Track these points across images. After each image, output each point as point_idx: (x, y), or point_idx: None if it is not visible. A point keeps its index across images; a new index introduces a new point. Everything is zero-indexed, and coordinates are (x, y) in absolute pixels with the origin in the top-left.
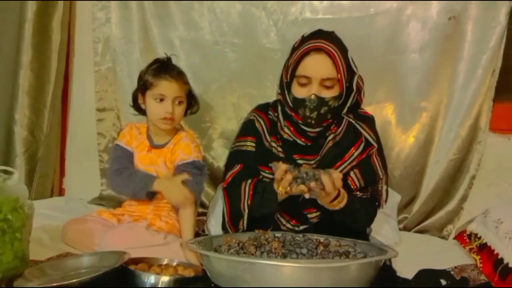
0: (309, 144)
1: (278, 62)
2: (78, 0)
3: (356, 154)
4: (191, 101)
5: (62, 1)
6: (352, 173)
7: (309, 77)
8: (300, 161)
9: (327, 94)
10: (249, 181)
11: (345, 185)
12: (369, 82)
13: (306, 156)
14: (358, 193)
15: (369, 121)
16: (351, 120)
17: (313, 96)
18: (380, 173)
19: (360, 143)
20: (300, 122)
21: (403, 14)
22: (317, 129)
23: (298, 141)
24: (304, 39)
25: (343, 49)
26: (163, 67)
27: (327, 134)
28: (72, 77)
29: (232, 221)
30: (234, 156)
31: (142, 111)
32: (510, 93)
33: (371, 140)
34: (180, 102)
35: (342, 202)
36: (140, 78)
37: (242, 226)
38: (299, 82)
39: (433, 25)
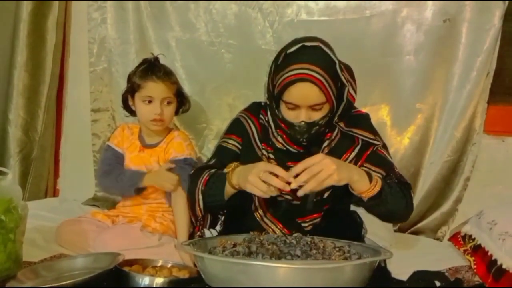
0: (301, 151)
1: None
2: (73, 0)
3: (351, 156)
4: (181, 100)
5: (57, 2)
6: (366, 169)
7: (296, 104)
8: None
9: (317, 115)
10: (212, 170)
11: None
12: (364, 84)
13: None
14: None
15: (363, 120)
16: (343, 129)
17: (302, 123)
18: (391, 161)
19: (356, 146)
20: (290, 134)
21: (398, 16)
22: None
23: (291, 149)
24: (287, 58)
25: (329, 67)
26: (150, 68)
27: (322, 139)
28: (67, 78)
29: (190, 206)
30: (215, 150)
31: (133, 113)
32: (505, 95)
33: (371, 140)
34: (169, 103)
35: (377, 184)
36: (129, 80)
37: (199, 212)
38: (287, 106)
39: (428, 27)
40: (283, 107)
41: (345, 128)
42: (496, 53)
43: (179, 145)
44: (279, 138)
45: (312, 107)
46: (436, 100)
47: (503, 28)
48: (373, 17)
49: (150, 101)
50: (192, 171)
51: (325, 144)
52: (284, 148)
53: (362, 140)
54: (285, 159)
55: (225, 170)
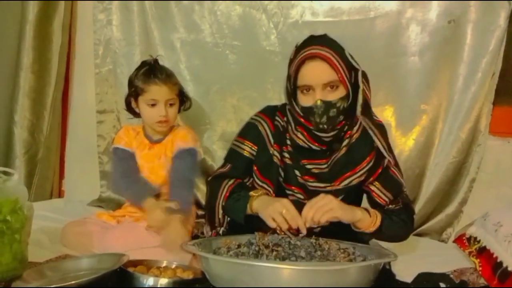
0: (324, 148)
1: (279, 65)
2: (79, 0)
3: (367, 167)
4: (182, 99)
5: (63, 3)
6: (376, 189)
7: (310, 85)
8: (309, 166)
9: (333, 96)
10: (230, 182)
11: (372, 202)
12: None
13: (316, 160)
14: (390, 206)
15: (382, 128)
16: (365, 124)
17: (319, 102)
18: (402, 181)
19: (372, 156)
20: (313, 128)
21: (403, 17)
22: (332, 133)
23: (313, 147)
24: (298, 49)
25: (338, 49)
26: (152, 71)
27: (342, 137)
28: (73, 79)
29: (209, 217)
30: (229, 154)
31: (137, 114)
32: (510, 96)
33: (383, 151)
34: (171, 104)
35: (377, 220)
36: (131, 84)
37: (218, 224)
38: (302, 91)
39: (433, 28)
40: (299, 96)
41: (370, 125)
42: (502, 54)
43: (184, 136)
44: (300, 135)
45: (326, 87)
46: (441, 101)
47: (509, 29)
48: (378, 18)
49: (154, 104)
50: (210, 179)
51: (345, 142)
52: (306, 146)
53: (377, 149)
54: (300, 157)
55: (251, 193)
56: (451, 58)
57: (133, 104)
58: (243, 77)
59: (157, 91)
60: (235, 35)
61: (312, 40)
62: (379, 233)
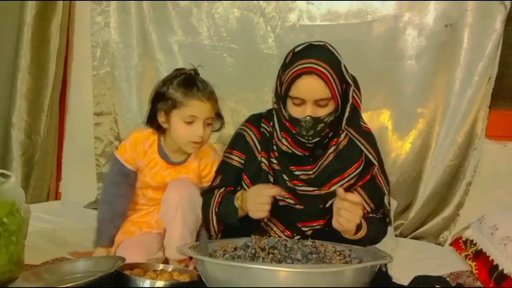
0: (306, 154)
1: (276, 68)
2: (77, 0)
3: (356, 172)
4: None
5: (61, 5)
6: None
7: (303, 99)
8: (297, 172)
9: (323, 112)
10: (221, 190)
11: None
12: (365, 89)
13: (303, 166)
14: (371, 214)
15: (369, 136)
16: (351, 135)
17: (308, 118)
18: (385, 191)
19: (361, 162)
20: (296, 132)
21: (400, 21)
22: (315, 140)
23: (296, 152)
24: (295, 56)
25: (335, 65)
26: (194, 83)
27: (328, 146)
28: (70, 81)
29: (206, 227)
30: (220, 166)
31: (160, 129)
32: (506, 100)
33: (371, 158)
34: (209, 124)
35: (363, 230)
36: (163, 94)
37: (214, 232)
38: (293, 102)
39: (430, 32)
40: (289, 104)
41: (355, 135)
42: (498, 58)
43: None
44: (284, 141)
45: (318, 103)
46: (437, 105)
47: (505, 33)
48: (375, 22)
49: (191, 122)
50: (203, 191)
51: (331, 150)
52: (290, 151)
53: (365, 157)
54: (288, 163)
55: (236, 203)
56: (448, 62)
57: (161, 118)
58: (240, 80)
59: (199, 107)
60: (233, 38)
61: (310, 51)
62: (358, 242)
